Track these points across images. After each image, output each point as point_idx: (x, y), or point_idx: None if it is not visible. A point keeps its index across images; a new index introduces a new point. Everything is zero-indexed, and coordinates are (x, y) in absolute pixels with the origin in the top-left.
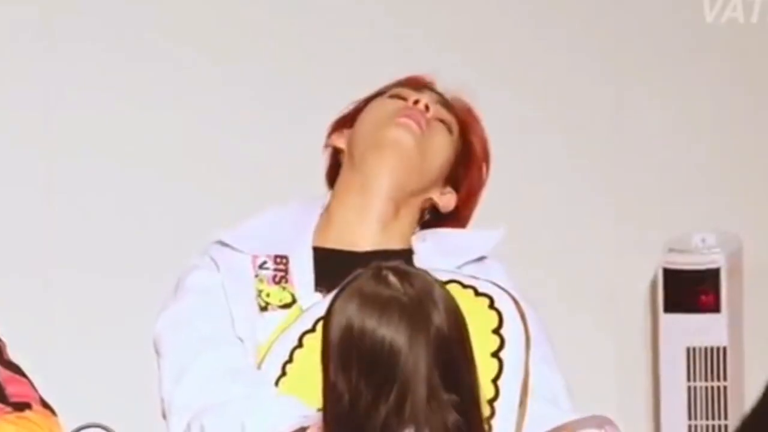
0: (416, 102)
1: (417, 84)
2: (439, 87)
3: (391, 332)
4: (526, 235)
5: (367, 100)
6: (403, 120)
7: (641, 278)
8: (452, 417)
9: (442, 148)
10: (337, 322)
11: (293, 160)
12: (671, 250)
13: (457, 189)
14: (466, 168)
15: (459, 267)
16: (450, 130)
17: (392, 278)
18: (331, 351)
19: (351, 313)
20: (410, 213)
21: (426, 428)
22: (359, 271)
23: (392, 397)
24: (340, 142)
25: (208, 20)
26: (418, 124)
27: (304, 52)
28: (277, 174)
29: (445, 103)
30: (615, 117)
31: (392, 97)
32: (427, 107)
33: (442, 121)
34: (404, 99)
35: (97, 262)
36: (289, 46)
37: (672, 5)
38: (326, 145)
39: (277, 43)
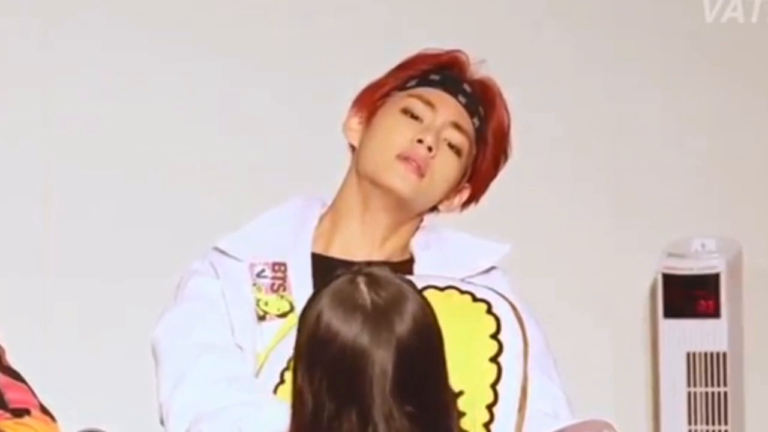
0: (420, 141)
1: (448, 68)
2: (469, 66)
3: (354, 337)
4: (526, 240)
5: (393, 79)
6: (403, 167)
7: (641, 283)
8: (407, 429)
9: (447, 175)
10: (308, 321)
11: (294, 161)
12: (671, 255)
13: (470, 179)
14: (482, 162)
15: (462, 280)
16: (459, 153)
17: (363, 286)
18: (300, 350)
19: (321, 313)
20: (414, 223)
21: None
22: (340, 271)
23: (354, 413)
24: (354, 137)
25: (209, 23)
26: (418, 170)
27: (306, 54)
28: (278, 176)
29: (461, 116)
30: (614, 118)
31: (405, 112)
32: (430, 149)
33: (451, 145)
34: (416, 118)
35: (97, 266)
36: (290, 48)
37: (672, 5)
38: (345, 127)
39: (277, 46)
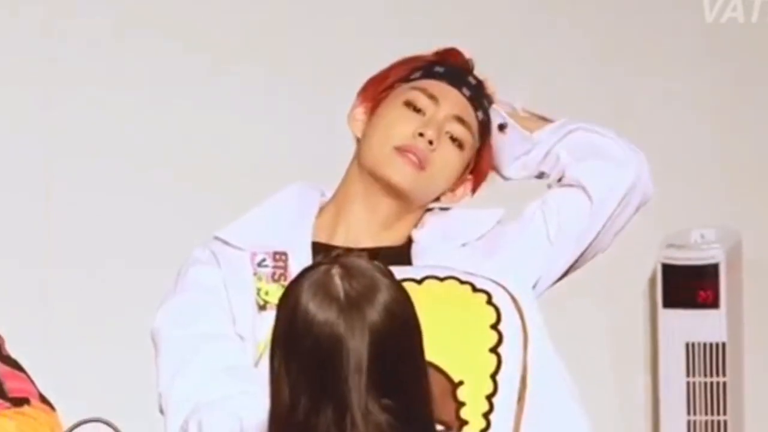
0: (422, 134)
1: (453, 60)
2: (473, 64)
3: (329, 328)
4: None
5: (399, 70)
6: (401, 161)
7: (640, 274)
8: (384, 420)
9: (449, 168)
10: (286, 310)
11: (294, 152)
12: (670, 245)
13: (473, 172)
14: (485, 154)
15: (464, 245)
16: (462, 146)
17: (337, 277)
18: (278, 339)
19: (298, 303)
20: (419, 212)
21: None
22: (319, 258)
23: (331, 406)
24: (358, 128)
25: (210, 20)
26: (417, 163)
27: (306, 48)
28: (279, 168)
29: (465, 109)
30: (615, 116)
31: (408, 105)
32: (431, 142)
33: (453, 138)
34: (419, 111)
35: (96, 257)
36: (290, 41)
37: (672, 5)
38: (349, 117)
39: (277, 39)
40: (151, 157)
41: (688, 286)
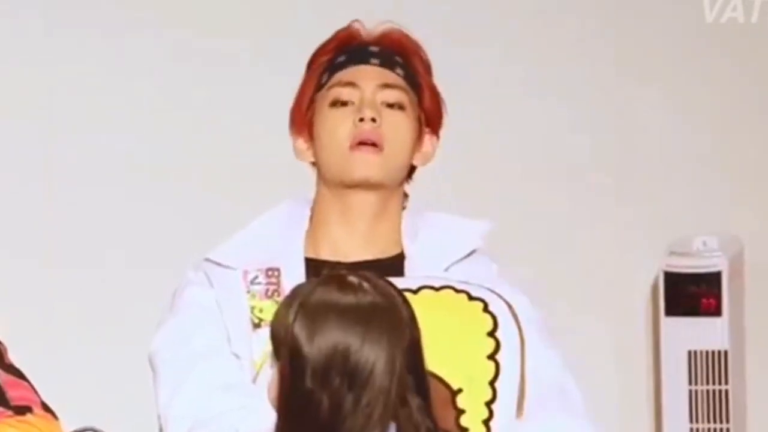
0: (362, 119)
1: (347, 43)
2: (366, 30)
3: (376, 347)
4: (527, 237)
5: (308, 85)
6: (360, 154)
7: (642, 281)
8: (426, 422)
9: (403, 133)
10: (319, 341)
11: (291, 162)
12: (672, 253)
13: (428, 123)
14: (425, 101)
15: (449, 267)
16: (402, 107)
17: (366, 285)
18: (309, 365)
19: (333, 330)
20: (397, 203)
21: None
22: (314, 280)
23: (370, 405)
24: (307, 155)
25: (211, 21)
26: (374, 145)
27: (306, 48)
28: (278, 166)
29: (383, 75)
30: (615, 118)
31: (334, 105)
32: (373, 119)
33: (390, 105)
34: (345, 104)
35: (97, 267)
36: (290, 41)
37: (672, 5)
38: (295, 152)
39: (278, 39)
40: (151, 156)
41: (690, 293)
